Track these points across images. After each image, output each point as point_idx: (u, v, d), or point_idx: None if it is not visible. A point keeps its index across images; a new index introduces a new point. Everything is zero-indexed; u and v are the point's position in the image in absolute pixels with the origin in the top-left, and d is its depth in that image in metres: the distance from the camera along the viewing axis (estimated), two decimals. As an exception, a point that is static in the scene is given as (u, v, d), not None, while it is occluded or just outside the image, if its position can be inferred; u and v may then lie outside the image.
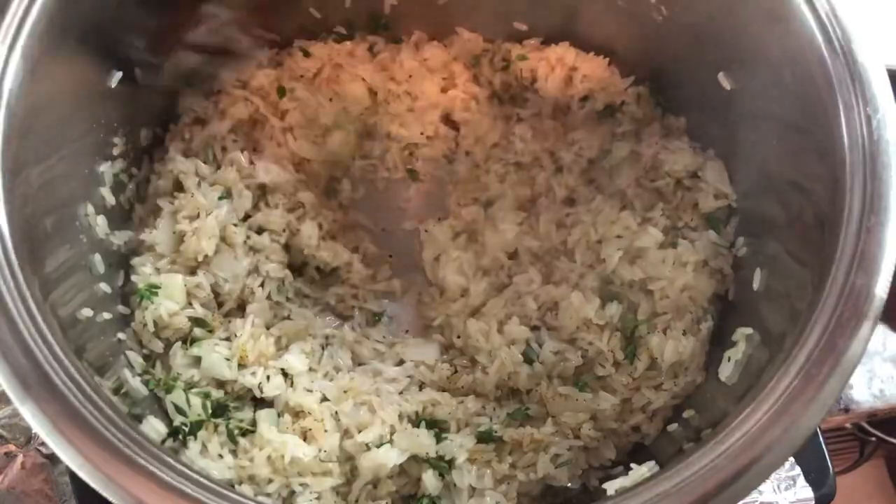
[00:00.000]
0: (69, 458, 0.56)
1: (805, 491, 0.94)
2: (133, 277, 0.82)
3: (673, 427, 0.79)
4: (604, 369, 0.83)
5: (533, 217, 0.93)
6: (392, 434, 0.77)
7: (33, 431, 0.92)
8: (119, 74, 0.78)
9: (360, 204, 0.99)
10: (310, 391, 0.80)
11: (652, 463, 0.66)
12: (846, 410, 1.10)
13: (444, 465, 0.77)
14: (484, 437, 0.78)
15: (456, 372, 0.87)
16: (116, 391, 0.72)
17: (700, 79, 0.83)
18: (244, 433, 0.77)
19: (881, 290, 0.60)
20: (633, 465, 0.67)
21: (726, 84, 0.80)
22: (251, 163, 0.89)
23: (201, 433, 0.75)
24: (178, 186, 0.87)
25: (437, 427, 0.80)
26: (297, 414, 0.79)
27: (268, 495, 0.73)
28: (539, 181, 0.95)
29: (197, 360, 0.80)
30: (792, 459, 0.94)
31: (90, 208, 0.78)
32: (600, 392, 0.82)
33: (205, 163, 0.88)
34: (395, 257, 0.98)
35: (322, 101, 0.95)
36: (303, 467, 0.74)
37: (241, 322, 0.82)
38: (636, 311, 0.85)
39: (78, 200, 0.76)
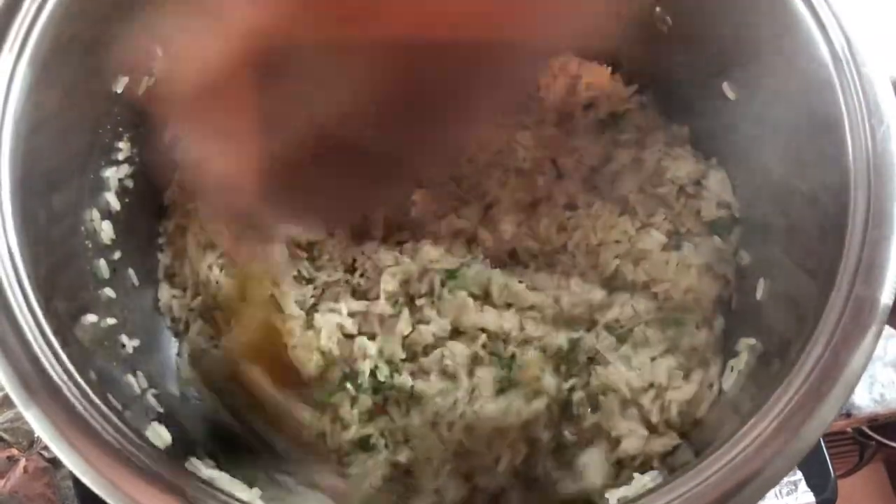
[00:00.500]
0: (73, 464, 0.56)
1: (807, 496, 0.94)
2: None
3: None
4: None
5: (533, 220, 0.93)
6: None
7: (36, 436, 0.92)
8: (126, 80, 0.78)
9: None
10: None
11: (655, 473, 0.66)
12: (847, 415, 1.10)
13: None
14: None
15: None
16: (120, 397, 0.72)
17: (704, 88, 0.83)
18: None
19: (886, 299, 0.60)
20: (635, 474, 0.67)
21: (730, 94, 0.80)
22: None
23: None
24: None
25: None
26: None
27: None
28: (540, 186, 0.95)
29: None
30: (793, 465, 0.94)
31: (95, 213, 0.78)
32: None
33: None
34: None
35: None
36: None
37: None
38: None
39: (83, 206, 0.76)
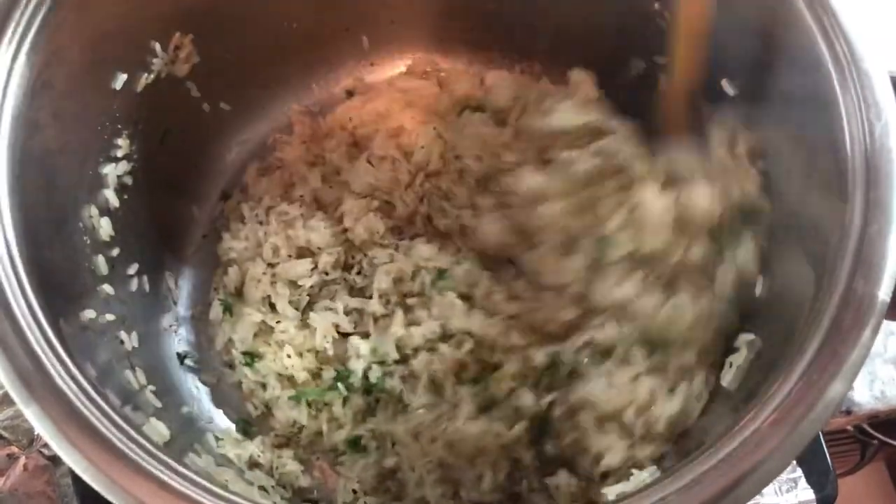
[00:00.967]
0: (73, 461, 0.56)
1: (807, 493, 0.94)
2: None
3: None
4: None
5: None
6: None
7: (36, 433, 0.92)
8: (124, 77, 0.78)
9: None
10: None
11: (654, 468, 0.66)
12: (847, 412, 1.10)
13: None
14: None
15: None
16: (119, 393, 0.72)
17: (703, 84, 0.83)
18: None
19: (883, 295, 0.60)
20: (633, 470, 0.67)
21: (729, 90, 0.79)
22: None
23: None
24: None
25: None
26: None
27: None
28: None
29: None
30: (793, 461, 0.94)
31: (94, 210, 0.78)
32: None
33: None
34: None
35: None
36: None
37: None
38: None
39: (82, 202, 0.77)
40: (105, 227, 0.79)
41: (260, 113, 1.03)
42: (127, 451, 0.57)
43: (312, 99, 1.06)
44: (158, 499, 0.56)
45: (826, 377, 0.58)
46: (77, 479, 0.86)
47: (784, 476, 0.94)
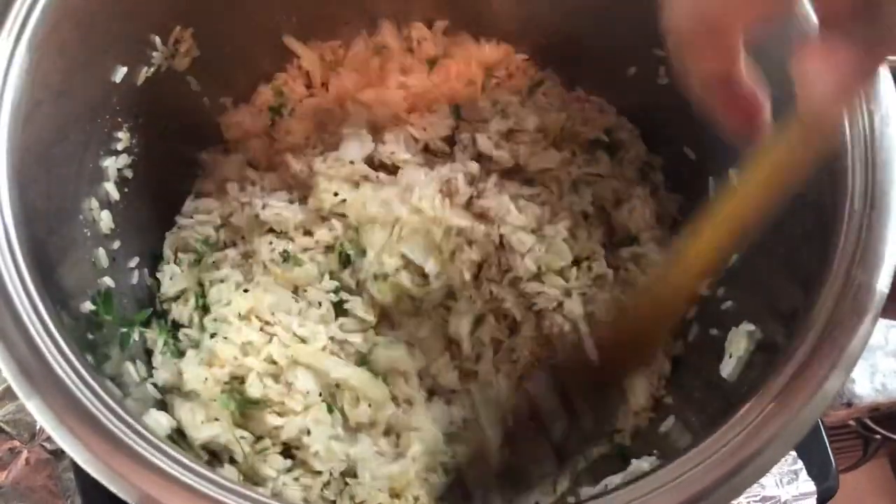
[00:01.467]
0: (75, 453, 0.56)
1: (808, 485, 0.94)
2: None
3: (670, 423, 0.79)
4: None
5: None
6: None
7: (37, 427, 0.93)
8: (124, 70, 0.78)
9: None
10: None
11: (653, 458, 0.66)
12: (848, 405, 1.11)
13: None
14: None
15: None
16: (120, 385, 0.72)
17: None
18: None
19: (882, 285, 0.60)
20: (633, 460, 0.68)
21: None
22: None
23: None
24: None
25: None
26: None
27: None
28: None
29: None
30: (794, 454, 0.94)
31: (94, 203, 0.78)
32: None
33: None
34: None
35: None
36: None
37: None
38: None
39: (82, 195, 0.77)
40: (105, 220, 0.79)
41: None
42: (130, 442, 0.57)
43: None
44: (161, 489, 0.56)
45: (826, 366, 0.59)
46: (79, 473, 0.86)
47: (785, 468, 0.94)
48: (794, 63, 0.44)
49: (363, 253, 0.86)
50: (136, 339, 0.82)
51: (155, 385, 0.79)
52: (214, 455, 0.77)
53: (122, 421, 0.58)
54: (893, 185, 0.62)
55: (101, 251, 0.79)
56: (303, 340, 0.82)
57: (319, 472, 0.78)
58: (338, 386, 0.81)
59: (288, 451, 0.79)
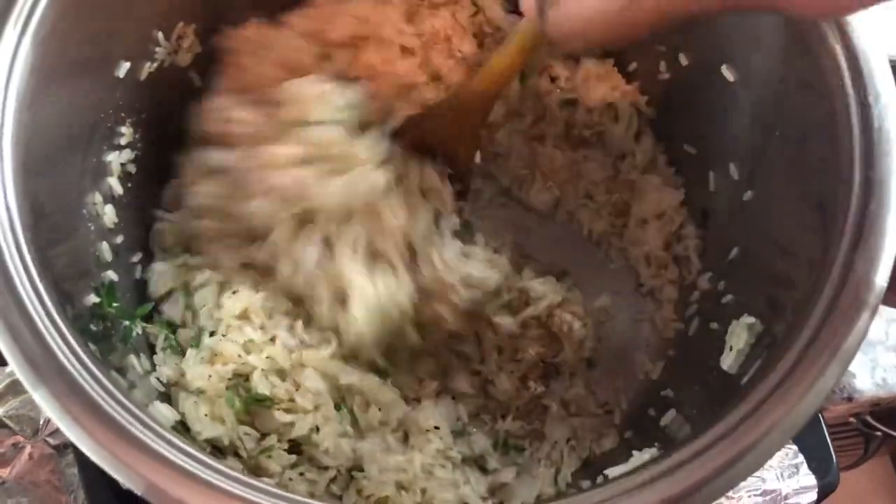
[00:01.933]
0: (81, 442, 0.56)
1: (808, 479, 0.94)
2: None
3: (670, 417, 0.80)
4: None
5: None
6: None
7: (41, 423, 0.93)
8: (127, 65, 0.78)
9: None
10: None
11: (654, 449, 0.67)
12: (849, 399, 1.11)
13: None
14: None
15: None
16: (125, 377, 0.72)
17: (704, 70, 0.84)
18: None
19: (881, 279, 0.61)
20: (634, 451, 0.68)
21: (730, 76, 0.80)
22: None
23: None
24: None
25: None
26: None
27: None
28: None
29: None
30: (795, 448, 0.95)
31: (98, 197, 0.78)
32: None
33: None
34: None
35: None
36: None
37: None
38: None
39: (86, 189, 0.77)
40: (109, 215, 0.80)
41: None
42: (136, 432, 0.57)
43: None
44: (167, 479, 0.56)
45: (825, 357, 0.59)
46: (83, 468, 0.87)
47: (786, 462, 0.94)
48: None
49: None
50: (139, 333, 0.82)
51: (159, 379, 0.79)
52: (218, 449, 0.77)
53: (127, 411, 0.58)
54: (892, 177, 0.62)
55: (105, 245, 0.79)
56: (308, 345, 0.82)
57: (326, 468, 0.78)
58: (348, 389, 0.82)
59: (294, 447, 0.79)
